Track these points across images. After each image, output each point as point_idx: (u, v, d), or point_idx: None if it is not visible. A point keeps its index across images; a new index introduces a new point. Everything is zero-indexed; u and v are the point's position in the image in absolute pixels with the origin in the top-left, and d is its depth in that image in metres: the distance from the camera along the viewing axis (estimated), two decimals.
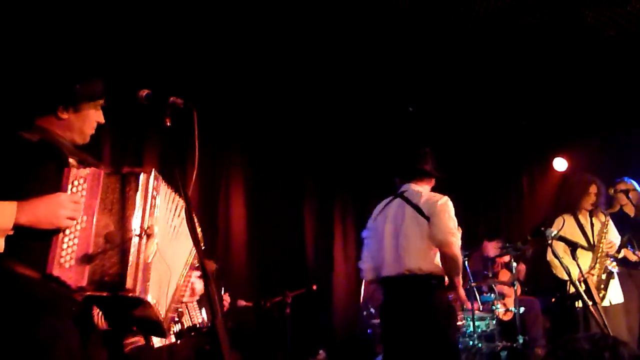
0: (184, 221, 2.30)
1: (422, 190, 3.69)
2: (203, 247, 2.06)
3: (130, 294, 1.92)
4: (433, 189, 3.86)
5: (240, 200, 6.22)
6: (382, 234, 3.66)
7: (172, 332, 3.84)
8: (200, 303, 4.07)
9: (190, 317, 4.03)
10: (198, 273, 2.61)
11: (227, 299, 4.53)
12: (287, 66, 5.32)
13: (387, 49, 5.09)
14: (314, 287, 5.77)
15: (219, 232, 6.00)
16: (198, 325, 4.03)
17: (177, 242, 2.30)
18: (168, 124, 2.04)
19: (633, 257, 4.72)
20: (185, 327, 3.96)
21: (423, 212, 3.50)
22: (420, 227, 3.49)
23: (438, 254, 3.48)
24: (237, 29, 4.59)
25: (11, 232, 1.85)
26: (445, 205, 3.49)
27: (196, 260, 2.43)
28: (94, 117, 2.21)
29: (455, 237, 3.42)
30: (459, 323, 4.96)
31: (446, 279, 3.53)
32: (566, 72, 5.63)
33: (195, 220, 1.90)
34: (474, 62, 5.44)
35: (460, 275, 3.52)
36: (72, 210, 1.91)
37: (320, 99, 6.10)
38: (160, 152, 5.22)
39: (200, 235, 1.98)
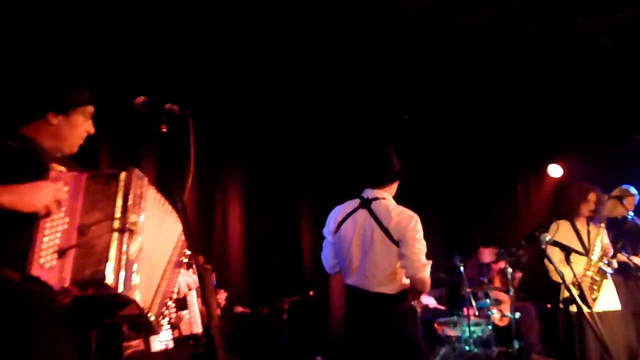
0: (173, 224, 2.30)
1: (388, 201, 3.54)
2: (199, 254, 2.05)
3: (113, 292, 1.87)
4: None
5: (236, 208, 6.22)
6: (350, 246, 3.54)
7: (170, 338, 3.83)
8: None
9: (190, 325, 4.01)
10: (183, 271, 2.58)
11: (222, 295, 4.51)
12: (281, 75, 5.33)
13: (383, 59, 5.10)
14: (311, 293, 5.76)
15: (216, 239, 5.99)
16: (198, 334, 4.01)
17: (163, 241, 2.28)
18: (164, 130, 2.04)
19: (623, 258, 4.73)
20: (184, 335, 3.94)
21: (392, 237, 3.37)
22: (389, 254, 3.38)
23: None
24: (234, 38, 4.60)
25: None
26: (415, 230, 3.35)
27: (181, 257, 2.41)
28: (83, 125, 2.20)
29: (427, 272, 3.35)
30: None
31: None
32: (560, 80, 5.65)
33: (190, 224, 1.89)
34: (470, 72, 5.45)
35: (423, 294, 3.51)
36: (52, 197, 1.89)
37: (314, 109, 6.12)
38: (156, 160, 5.22)
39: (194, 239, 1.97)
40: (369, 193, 3.58)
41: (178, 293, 3.08)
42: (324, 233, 3.78)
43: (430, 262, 3.44)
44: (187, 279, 2.97)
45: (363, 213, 3.53)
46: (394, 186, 3.67)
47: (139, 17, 4.20)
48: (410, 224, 3.36)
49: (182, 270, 2.50)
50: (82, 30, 4.21)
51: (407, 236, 3.34)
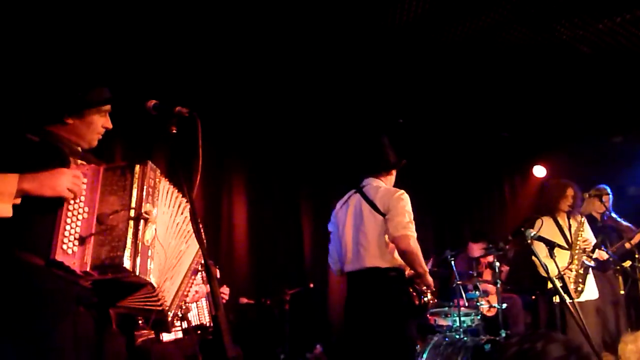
0: (188, 222, 2.31)
1: (381, 185, 3.53)
2: (206, 248, 2.06)
3: (131, 276, 1.90)
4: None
5: (241, 205, 6.22)
6: (343, 229, 3.54)
7: (180, 328, 3.83)
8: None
9: (198, 315, 4.01)
10: (199, 280, 2.58)
11: (226, 290, 4.51)
12: (284, 79, 5.34)
13: (376, 65, 5.12)
14: (311, 285, 5.76)
15: (222, 235, 5.99)
16: (205, 324, 4.01)
17: (181, 240, 2.28)
18: (174, 131, 2.05)
19: (605, 256, 4.74)
20: (193, 324, 3.94)
21: (379, 208, 3.36)
22: (377, 225, 3.36)
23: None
24: (238, 45, 4.62)
25: (17, 201, 1.82)
26: (399, 199, 3.32)
27: (198, 265, 2.42)
28: (99, 122, 2.19)
29: (409, 231, 3.26)
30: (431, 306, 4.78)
31: (408, 270, 3.40)
32: (544, 86, 5.66)
33: (199, 221, 1.89)
34: (461, 77, 5.46)
35: (423, 263, 3.33)
36: (73, 183, 1.90)
37: (315, 110, 6.13)
38: (167, 160, 5.22)
39: (203, 235, 1.97)
40: (365, 182, 3.59)
41: (193, 298, 3.10)
42: (328, 228, 3.77)
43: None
44: (196, 288, 2.98)
45: (356, 196, 3.55)
46: (391, 177, 3.65)
47: (153, 25, 4.21)
48: (395, 195, 3.36)
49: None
50: (97, 38, 4.22)
51: (391, 204, 3.33)
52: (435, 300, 4.99)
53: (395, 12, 4.14)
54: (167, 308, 2.11)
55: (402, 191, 3.40)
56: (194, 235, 2.31)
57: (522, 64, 5.09)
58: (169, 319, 2.14)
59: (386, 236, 3.35)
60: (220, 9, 4.08)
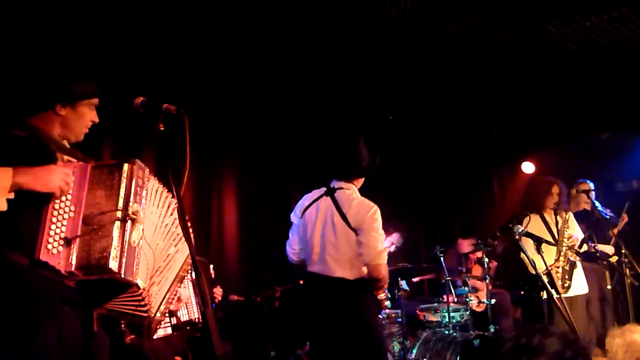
0: (178, 224, 2.30)
1: (353, 192, 3.47)
2: (195, 246, 2.04)
3: (116, 276, 1.89)
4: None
5: (232, 202, 6.21)
6: (312, 233, 3.49)
7: (169, 324, 3.82)
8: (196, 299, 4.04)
9: (187, 311, 4.01)
10: (184, 282, 2.57)
11: (219, 291, 4.50)
12: (273, 75, 5.33)
13: (366, 62, 5.12)
14: (301, 282, 5.75)
15: (212, 232, 5.97)
16: (195, 320, 4.00)
17: (169, 242, 2.26)
18: (161, 128, 2.04)
19: (589, 249, 4.78)
20: (182, 321, 3.93)
21: (351, 225, 3.33)
22: (349, 241, 3.33)
23: None
24: (229, 40, 4.60)
25: (11, 195, 1.81)
26: (373, 219, 3.29)
27: (186, 273, 2.41)
28: (88, 116, 2.21)
29: (382, 260, 3.28)
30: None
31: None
32: (532, 84, 5.69)
33: (187, 218, 1.88)
34: (450, 74, 5.48)
35: (387, 279, 3.38)
36: (64, 180, 1.89)
37: (305, 107, 6.13)
38: (155, 157, 5.20)
39: (191, 233, 1.96)
40: (335, 184, 3.55)
41: (179, 301, 3.07)
42: (291, 218, 3.73)
43: (387, 249, 3.40)
44: (183, 291, 2.96)
45: (327, 201, 3.49)
46: (361, 181, 3.62)
47: (140, 22, 4.18)
48: (369, 213, 3.32)
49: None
50: (86, 33, 4.19)
51: (365, 225, 3.30)
52: (388, 302, 5.04)
53: (385, 9, 4.14)
54: (152, 314, 2.09)
55: (375, 207, 3.36)
56: (184, 239, 2.33)
57: (510, 61, 5.11)
58: (153, 325, 2.12)
59: (356, 253, 3.33)
60: (210, 5, 4.06)
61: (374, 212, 3.32)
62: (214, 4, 4.02)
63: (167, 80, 4.87)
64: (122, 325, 2.45)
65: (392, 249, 5.93)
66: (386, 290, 3.56)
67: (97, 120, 2.25)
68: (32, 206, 1.86)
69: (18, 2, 3.71)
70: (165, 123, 2.07)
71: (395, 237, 6.06)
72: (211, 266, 4.52)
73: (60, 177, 1.88)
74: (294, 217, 3.70)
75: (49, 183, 1.85)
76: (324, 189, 3.56)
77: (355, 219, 3.33)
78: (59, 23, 4.01)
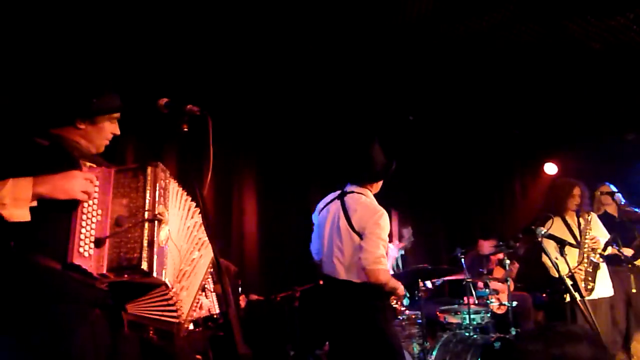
0: (199, 227, 2.32)
1: (363, 196, 3.45)
2: (219, 246, 2.06)
3: (147, 276, 1.91)
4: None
5: (252, 203, 6.24)
6: (323, 233, 3.52)
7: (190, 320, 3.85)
8: (218, 297, 4.06)
9: (207, 307, 4.03)
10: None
11: (243, 299, 4.52)
12: (293, 76, 5.35)
13: (389, 61, 5.11)
14: (321, 282, 5.76)
15: (233, 232, 6.02)
16: (215, 316, 4.02)
17: (193, 245, 2.27)
18: (185, 129, 2.06)
19: (614, 251, 4.70)
20: (203, 316, 3.96)
21: (355, 228, 3.32)
22: (354, 244, 3.32)
23: None
24: (249, 43, 4.63)
25: (34, 203, 1.82)
26: (376, 224, 3.26)
27: (206, 282, 2.42)
28: (109, 129, 2.22)
29: (380, 265, 3.22)
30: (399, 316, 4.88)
31: None
32: (556, 83, 5.63)
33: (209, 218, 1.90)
34: (472, 74, 5.44)
35: (391, 283, 3.31)
36: (86, 186, 1.90)
37: (326, 107, 6.13)
38: (177, 157, 5.26)
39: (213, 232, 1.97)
40: (348, 187, 3.55)
41: (201, 308, 3.09)
42: (312, 219, 3.77)
43: (385, 258, 3.31)
44: (203, 300, 2.97)
45: (337, 204, 3.50)
46: (376, 185, 3.59)
47: (164, 27, 4.24)
48: (373, 218, 3.29)
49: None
50: (111, 37, 4.25)
51: (368, 229, 3.28)
52: (403, 308, 4.96)
53: (406, 9, 4.13)
54: (183, 320, 2.10)
55: (381, 212, 3.32)
56: (206, 244, 2.32)
57: (533, 61, 5.06)
58: (181, 332, 2.13)
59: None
60: (231, 8, 4.09)
61: (379, 217, 3.29)
62: (234, 10, 4.05)
63: (187, 81, 4.92)
64: (151, 332, 2.46)
65: (407, 244, 5.81)
66: (407, 293, 3.50)
67: (118, 132, 2.25)
68: (58, 211, 1.88)
69: (38, 11, 3.78)
70: (189, 124, 2.09)
71: (405, 233, 5.98)
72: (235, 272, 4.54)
73: (81, 182, 1.89)
74: (314, 217, 3.74)
75: (69, 190, 1.86)
76: (338, 192, 3.57)
77: (358, 223, 3.32)
78: (82, 29, 4.08)
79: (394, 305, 3.66)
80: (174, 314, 2.07)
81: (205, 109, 2.08)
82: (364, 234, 3.29)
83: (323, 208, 3.61)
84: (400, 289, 3.38)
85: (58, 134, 2.11)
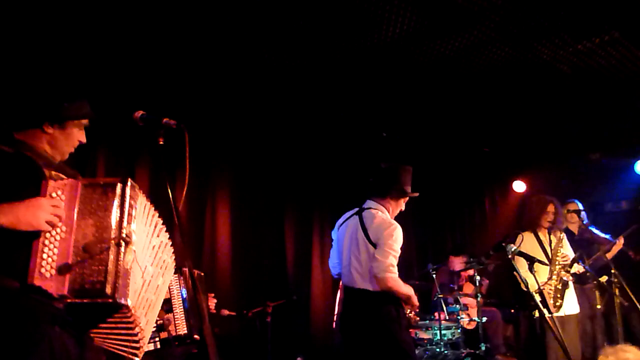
0: (164, 247, 2.24)
1: (379, 211, 3.62)
2: (191, 259, 2.02)
3: (109, 300, 1.84)
4: (405, 210, 3.86)
5: (225, 217, 6.17)
6: (342, 247, 3.70)
7: (157, 339, 3.76)
8: (187, 313, 3.98)
9: (175, 327, 3.95)
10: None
11: (212, 302, 4.46)
12: (269, 93, 5.35)
13: (361, 81, 5.16)
14: (294, 298, 5.73)
15: (205, 246, 5.93)
16: (182, 335, 3.94)
17: (158, 270, 2.19)
18: (161, 142, 2.03)
19: (580, 269, 4.78)
20: (172, 336, 3.87)
21: (371, 239, 3.48)
22: (369, 254, 3.47)
23: None
24: (225, 58, 4.62)
25: None
26: (389, 236, 3.42)
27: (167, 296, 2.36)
28: (76, 136, 2.16)
29: (390, 273, 3.37)
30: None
31: None
32: (524, 104, 5.75)
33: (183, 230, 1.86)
34: (443, 95, 5.52)
35: (404, 291, 3.45)
36: (51, 214, 1.83)
37: (300, 125, 6.14)
38: (151, 169, 5.17)
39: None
40: (367, 204, 3.71)
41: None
42: (332, 235, 3.92)
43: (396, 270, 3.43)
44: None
45: (355, 219, 3.67)
46: (394, 203, 3.73)
47: (140, 36, 4.19)
48: (388, 229, 3.45)
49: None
50: (85, 46, 4.18)
51: (381, 240, 3.43)
52: (417, 318, 5.04)
53: (381, 30, 4.18)
54: (142, 346, 2.02)
55: (395, 225, 3.48)
56: (170, 266, 2.28)
57: (504, 82, 5.17)
58: (140, 340, 2.05)
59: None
60: (209, 24, 4.08)
61: (392, 230, 3.45)
62: (211, 20, 4.04)
63: (162, 94, 4.87)
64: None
65: None
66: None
67: (84, 140, 2.20)
68: (21, 237, 1.81)
69: (14, 14, 3.71)
70: (164, 137, 2.06)
71: None
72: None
73: (46, 212, 1.81)
74: (333, 233, 3.89)
75: (33, 222, 1.79)
76: (356, 209, 3.74)
77: (374, 234, 3.48)
78: (56, 35, 4.01)
79: (409, 315, 3.84)
80: (136, 345, 2.00)
81: (179, 119, 2.06)
82: (377, 243, 3.44)
83: (342, 224, 3.78)
84: (414, 297, 3.51)
85: (22, 140, 2.03)
